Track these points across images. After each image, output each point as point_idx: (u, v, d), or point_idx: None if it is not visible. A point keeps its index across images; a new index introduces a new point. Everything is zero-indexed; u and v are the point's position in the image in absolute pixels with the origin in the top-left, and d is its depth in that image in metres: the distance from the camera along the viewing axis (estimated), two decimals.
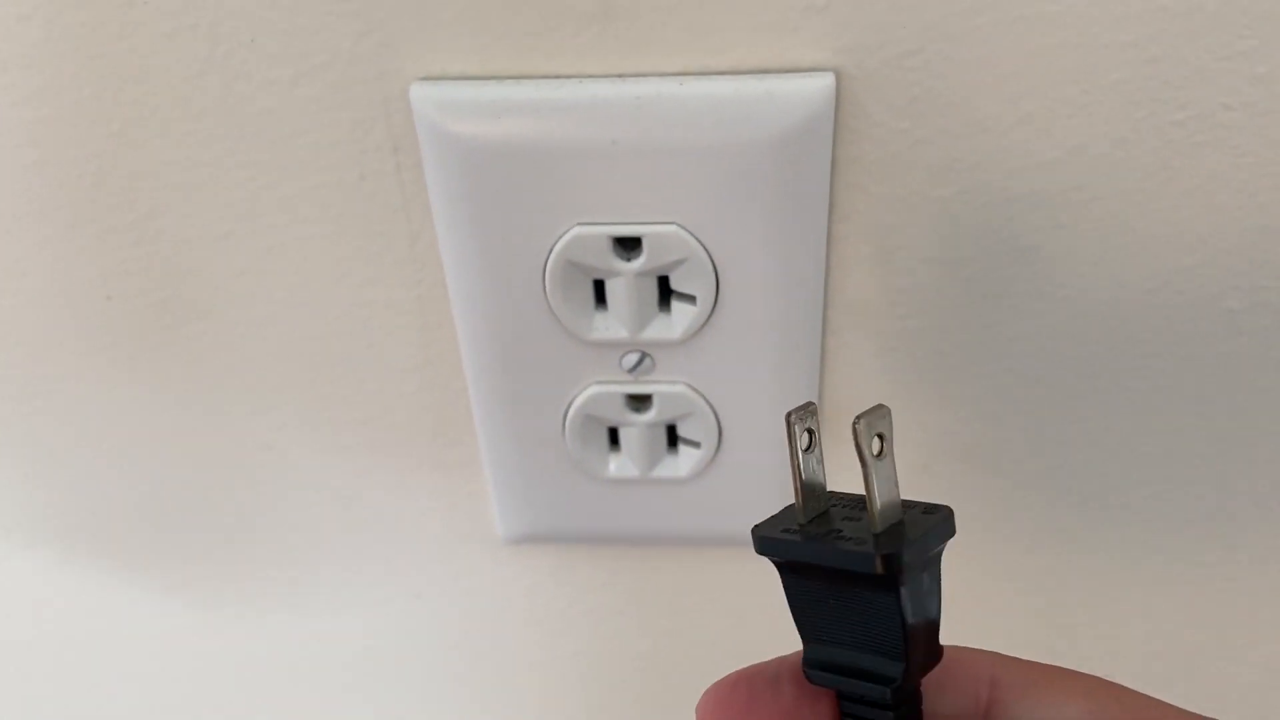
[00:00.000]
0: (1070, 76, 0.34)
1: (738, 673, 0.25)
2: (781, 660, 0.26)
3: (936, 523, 0.24)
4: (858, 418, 0.24)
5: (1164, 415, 0.41)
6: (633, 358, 0.39)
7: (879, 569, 0.23)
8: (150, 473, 0.47)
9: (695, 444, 0.42)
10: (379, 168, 0.37)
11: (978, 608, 0.48)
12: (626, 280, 0.37)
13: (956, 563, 0.39)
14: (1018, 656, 0.25)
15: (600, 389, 0.41)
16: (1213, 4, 0.32)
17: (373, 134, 0.37)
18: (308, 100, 0.36)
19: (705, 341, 0.39)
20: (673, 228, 0.36)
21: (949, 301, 0.39)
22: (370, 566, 0.50)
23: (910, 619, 0.23)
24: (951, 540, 0.24)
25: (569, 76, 0.35)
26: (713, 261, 0.37)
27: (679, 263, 0.37)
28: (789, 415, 0.25)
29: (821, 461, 0.26)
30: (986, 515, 0.45)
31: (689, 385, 0.41)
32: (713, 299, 0.38)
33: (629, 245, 0.37)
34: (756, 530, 0.26)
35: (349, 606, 0.51)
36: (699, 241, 0.36)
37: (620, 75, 0.35)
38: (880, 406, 0.24)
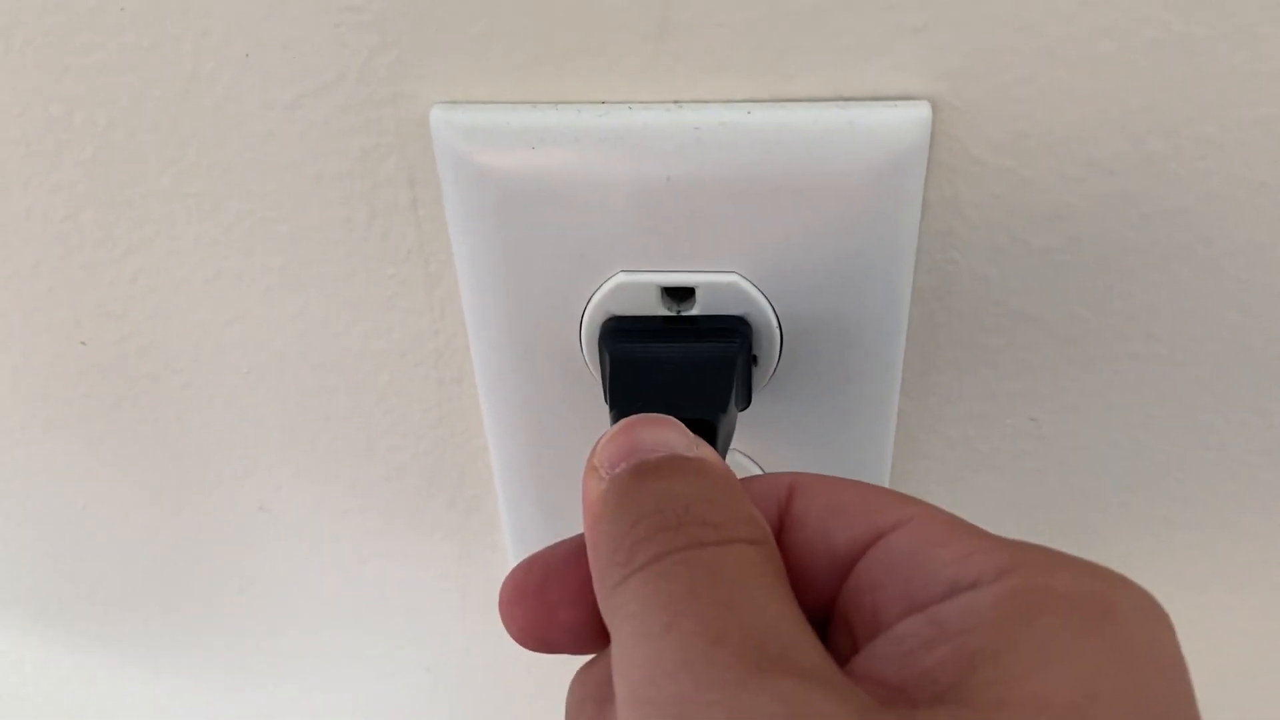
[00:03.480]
0: (1207, 112, 0.29)
1: (533, 555, 0.25)
2: (575, 539, 0.25)
3: None
4: None
5: None
6: None
7: None
8: (130, 535, 0.42)
9: None
10: (393, 203, 0.32)
11: None
12: None
13: None
14: None
15: None
16: None
17: (386, 165, 0.32)
18: (310, 125, 0.31)
19: (764, 409, 0.34)
20: (733, 278, 0.31)
21: (1045, 363, 0.34)
22: (376, 638, 0.45)
23: None
24: None
25: (617, 102, 0.30)
26: (778, 318, 0.32)
27: (739, 318, 0.32)
28: None
29: None
30: None
31: (745, 455, 0.35)
32: (775, 361, 0.32)
33: (680, 296, 0.32)
34: None
35: (351, 680, 0.46)
36: (763, 294, 0.31)
37: (677, 102, 0.30)
38: None
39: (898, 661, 0.19)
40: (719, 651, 0.18)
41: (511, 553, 0.40)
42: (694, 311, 0.32)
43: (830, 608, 0.23)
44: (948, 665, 0.18)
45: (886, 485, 0.36)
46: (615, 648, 0.20)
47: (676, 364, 0.30)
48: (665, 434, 0.24)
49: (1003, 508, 0.37)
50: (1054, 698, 0.17)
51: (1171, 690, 0.18)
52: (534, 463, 0.37)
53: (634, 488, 0.22)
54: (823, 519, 0.23)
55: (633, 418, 0.24)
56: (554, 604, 0.24)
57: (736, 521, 0.21)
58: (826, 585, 0.23)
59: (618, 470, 0.23)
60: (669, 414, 0.29)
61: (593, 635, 0.23)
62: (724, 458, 0.30)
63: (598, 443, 0.24)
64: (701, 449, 0.24)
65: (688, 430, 0.24)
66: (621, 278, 0.31)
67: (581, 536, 0.24)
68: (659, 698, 0.18)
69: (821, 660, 0.18)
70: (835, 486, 0.24)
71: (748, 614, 0.19)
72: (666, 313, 0.32)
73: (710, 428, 0.29)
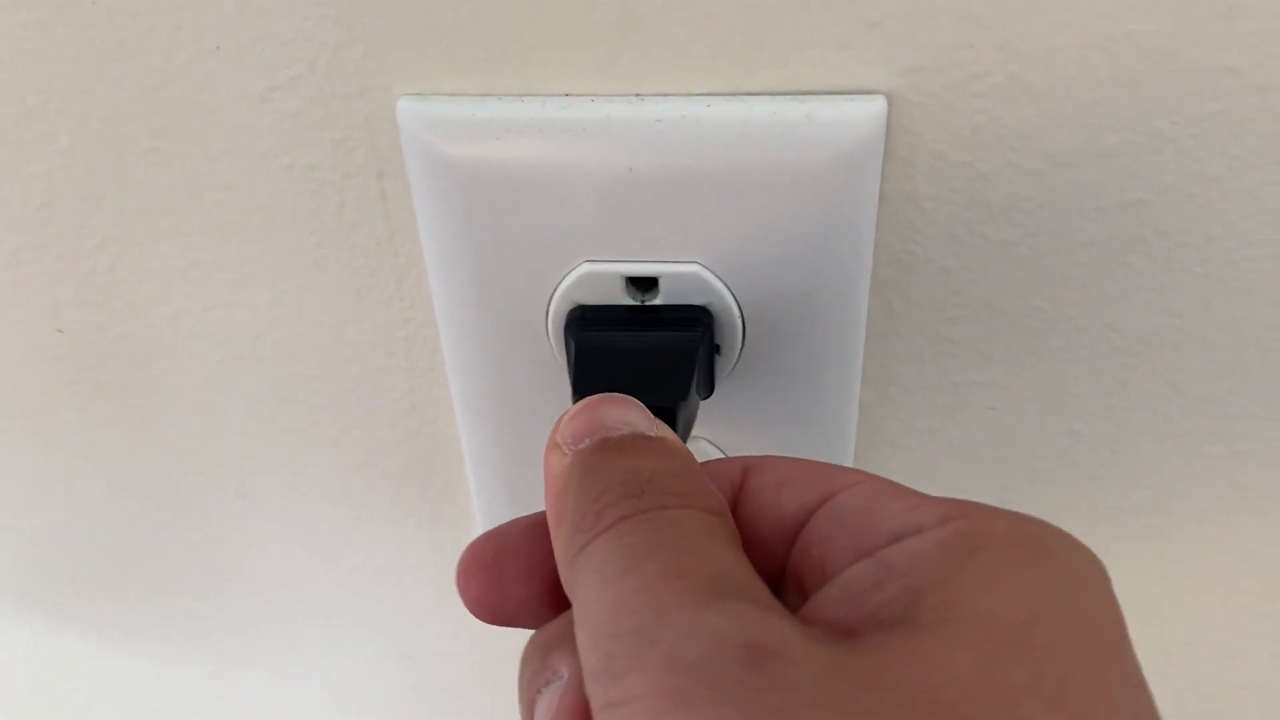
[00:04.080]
0: (1161, 107, 0.29)
1: (489, 530, 0.25)
2: (530, 516, 0.25)
3: None
4: None
5: (1254, 483, 0.37)
6: None
7: None
8: (108, 521, 0.43)
9: None
10: (362, 194, 0.33)
11: None
12: None
13: None
14: None
15: None
16: None
17: (355, 156, 0.32)
18: (281, 117, 0.32)
19: (728, 396, 0.34)
20: (695, 268, 0.32)
21: (1005, 354, 0.34)
22: (352, 624, 0.45)
23: None
24: None
25: (580, 95, 0.30)
26: (740, 308, 0.32)
27: (701, 308, 0.32)
28: None
29: None
30: None
31: (709, 441, 0.36)
32: (738, 350, 0.33)
33: (644, 286, 0.32)
34: None
35: (328, 666, 0.47)
36: (725, 284, 0.32)
37: (639, 94, 0.30)
38: None
39: (846, 604, 0.20)
40: (680, 583, 0.19)
41: None
42: (657, 301, 0.32)
43: (782, 573, 0.23)
44: (895, 601, 0.19)
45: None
46: (577, 605, 0.20)
47: (639, 352, 0.31)
48: (628, 413, 0.24)
49: (964, 495, 0.38)
50: (998, 614, 0.18)
51: (1108, 616, 0.19)
52: (504, 449, 0.37)
53: (599, 462, 0.23)
54: (775, 490, 0.24)
55: (596, 397, 0.25)
56: (508, 578, 0.24)
57: (697, 493, 0.22)
58: (778, 549, 0.23)
59: (581, 446, 0.23)
60: None
61: (545, 609, 0.24)
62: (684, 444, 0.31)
63: (560, 420, 0.24)
64: (662, 429, 0.24)
65: (649, 411, 0.24)
66: (586, 267, 0.32)
67: (537, 514, 0.25)
68: (621, 630, 0.18)
69: (775, 600, 0.19)
70: (788, 463, 0.24)
71: (707, 558, 0.20)
72: (631, 302, 0.32)
73: (670, 414, 0.30)
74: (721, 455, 0.36)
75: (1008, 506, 0.37)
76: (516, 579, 0.24)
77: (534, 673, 0.23)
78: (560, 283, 0.32)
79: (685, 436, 0.31)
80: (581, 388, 0.31)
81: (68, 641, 0.48)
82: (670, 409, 0.30)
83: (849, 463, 0.36)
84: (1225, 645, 0.42)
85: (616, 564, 0.20)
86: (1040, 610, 0.18)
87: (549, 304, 0.33)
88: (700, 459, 0.36)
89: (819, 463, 0.24)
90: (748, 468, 0.25)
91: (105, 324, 0.37)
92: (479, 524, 0.40)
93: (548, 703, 0.22)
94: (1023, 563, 0.19)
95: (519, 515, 0.38)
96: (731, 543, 0.21)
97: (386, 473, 0.40)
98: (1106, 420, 0.35)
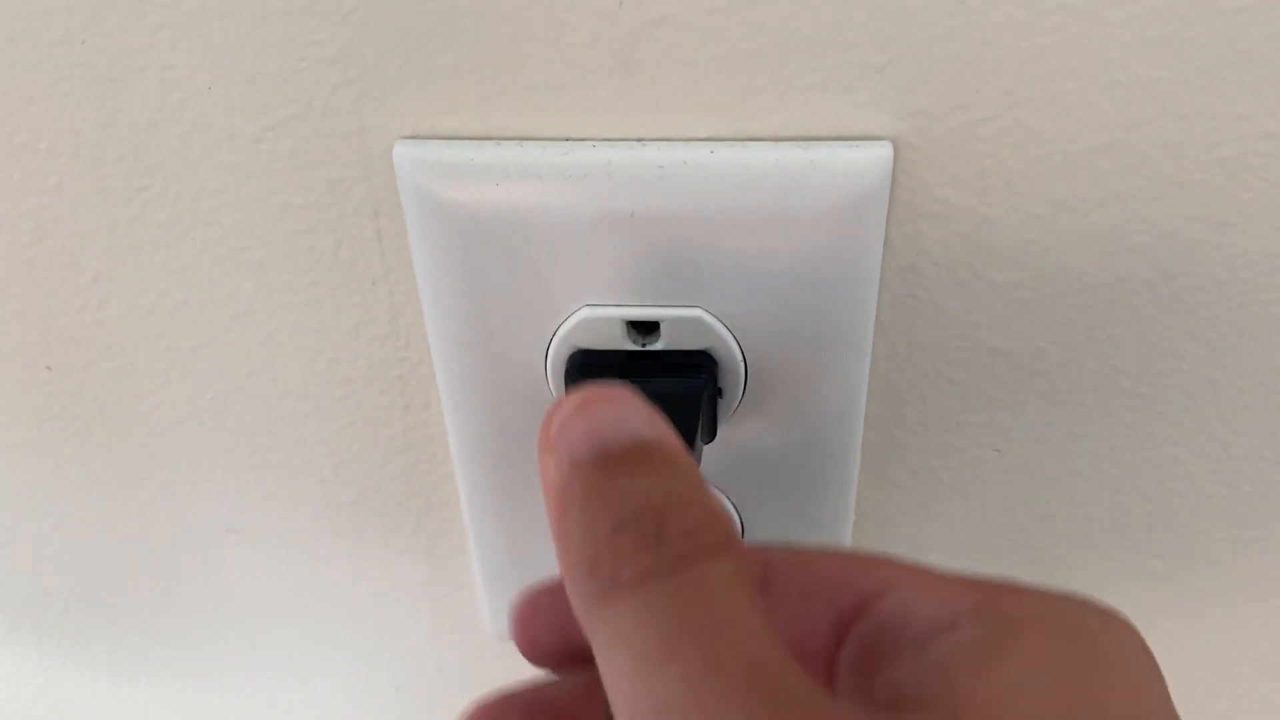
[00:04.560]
0: (1169, 151, 0.29)
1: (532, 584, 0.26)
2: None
3: None
4: None
5: (1260, 525, 0.36)
6: None
7: None
8: (97, 557, 0.42)
9: None
10: (358, 234, 0.32)
11: None
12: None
13: None
14: None
15: None
16: None
17: (351, 196, 0.32)
18: (276, 157, 0.31)
19: (729, 440, 0.34)
20: (697, 312, 0.31)
21: (1009, 396, 0.34)
22: (345, 659, 0.45)
23: None
24: None
25: (580, 139, 0.30)
26: (742, 352, 0.32)
27: (703, 353, 0.32)
28: None
29: None
30: None
31: (710, 484, 0.36)
32: (740, 394, 0.32)
33: (645, 330, 0.32)
34: None
35: (321, 700, 0.46)
36: (727, 329, 0.31)
37: (640, 139, 0.30)
38: None
39: (885, 693, 0.20)
40: (722, 680, 0.18)
41: (479, 576, 0.40)
42: (659, 345, 0.32)
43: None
44: (934, 685, 0.19)
45: (852, 514, 0.36)
46: (610, 670, 0.20)
47: None
48: (625, 413, 0.23)
49: (969, 536, 0.37)
50: (1042, 710, 0.18)
51: (1153, 704, 0.19)
52: (500, 488, 0.37)
53: (603, 484, 0.22)
54: (802, 603, 0.23)
55: (587, 390, 0.23)
56: (541, 631, 0.25)
57: (709, 521, 0.21)
58: (815, 660, 0.23)
59: (579, 457, 0.23)
60: None
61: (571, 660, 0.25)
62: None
63: (551, 414, 0.23)
64: (656, 424, 0.23)
65: (641, 401, 0.23)
66: (586, 312, 0.31)
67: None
68: None
69: (812, 686, 0.19)
70: (805, 567, 0.24)
71: (741, 638, 0.19)
72: (632, 346, 0.32)
73: None
74: (724, 499, 0.36)
75: (1011, 547, 0.36)
76: (544, 632, 0.25)
77: None
78: (560, 326, 0.32)
79: None
80: None
81: (56, 674, 0.48)
82: None
83: (851, 505, 0.36)
84: (1225, 686, 0.41)
85: (651, 646, 0.19)
86: (1081, 705, 0.18)
87: (548, 347, 0.32)
88: None
89: (837, 556, 0.24)
90: (765, 576, 0.24)
91: (96, 360, 0.36)
92: (475, 560, 0.39)
93: None
94: (1060, 651, 0.19)
95: (515, 553, 0.38)
96: (753, 595, 0.21)
97: (381, 510, 0.39)
98: (1111, 462, 0.35)
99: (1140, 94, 0.28)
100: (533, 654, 0.25)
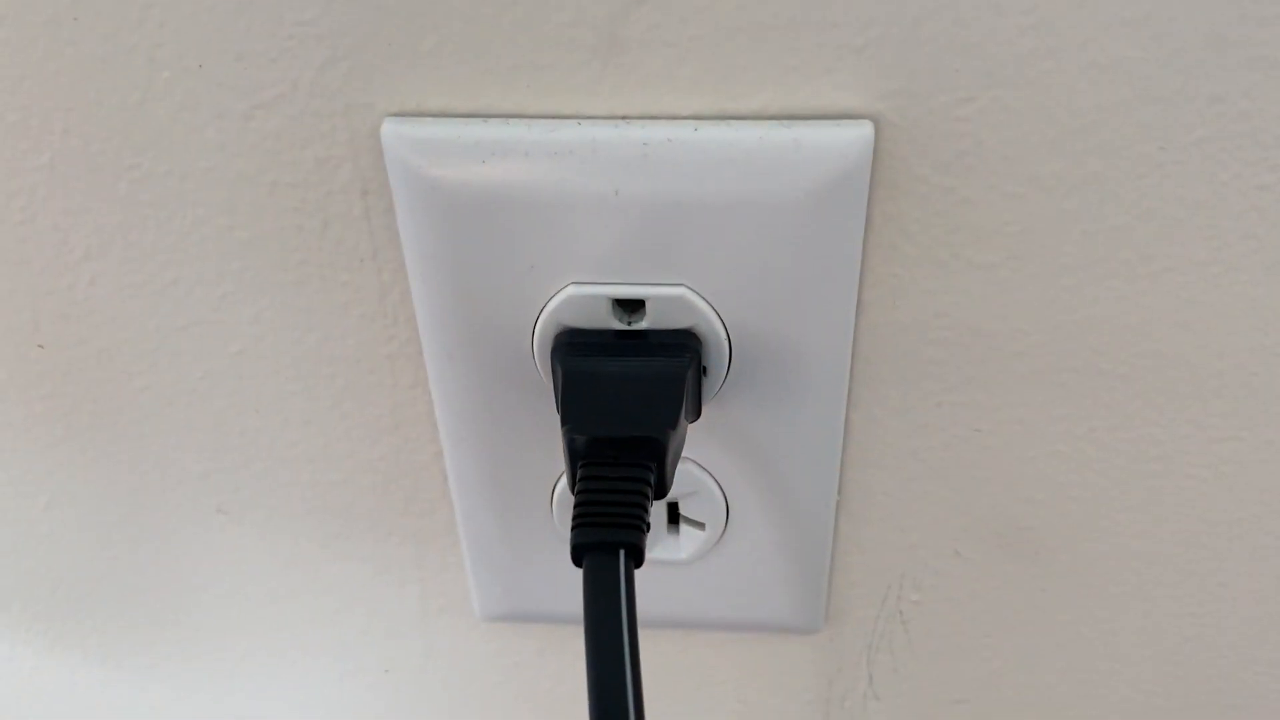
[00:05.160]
0: (1147, 133, 0.29)
1: None
2: None
3: None
4: None
5: (1239, 506, 0.37)
6: None
7: None
8: (87, 536, 0.42)
9: (699, 525, 0.38)
10: (346, 212, 0.33)
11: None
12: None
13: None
14: None
15: None
16: None
17: (339, 175, 0.32)
18: (265, 135, 0.31)
19: (714, 418, 0.34)
20: (680, 290, 0.31)
21: (989, 376, 0.34)
22: (334, 639, 0.45)
23: None
24: None
25: (566, 117, 0.30)
26: (726, 330, 0.32)
27: (687, 332, 0.32)
28: None
29: None
30: (1018, 603, 0.40)
31: (695, 462, 0.36)
32: (724, 372, 0.33)
33: (630, 308, 0.32)
34: None
35: (308, 681, 0.47)
36: (711, 306, 0.32)
37: (625, 117, 0.30)
38: None
39: None
40: None
41: (467, 557, 0.40)
42: (644, 323, 0.32)
43: None
44: None
45: (836, 494, 0.37)
46: None
47: (628, 380, 0.31)
48: None
49: (950, 516, 0.38)
50: None
51: None
52: (487, 467, 0.37)
53: None
54: None
55: None
56: None
57: None
58: None
59: None
60: (619, 429, 0.30)
61: None
62: (673, 472, 0.31)
63: None
64: None
65: None
66: (572, 290, 0.32)
67: None
68: None
69: None
70: None
71: None
72: (618, 324, 0.32)
73: (661, 443, 0.30)
74: (709, 477, 0.36)
75: (993, 530, 0.37)
76: None
77: None
78: (546, 304, 0.32)
79: (675, 463, 0.31)
80: (569, 415, 0.31)
81: (45, 656, 0.48)
82: (659, 440, 0.30)
83: (835, 485, 0.36)
84: (1213, 663, 0.42)
85: None
86: None
87: (535, 325, 0.33)
88: (686, 483, 0.36)
89: None
90: None
91: (86, 339, 0.36)
92: (463, 540, 0.39)
93: None
94: None
95: (502, 535, 0.38)
96: None
97: (369, 489, 0.40)
98: (1090, 443, 0.35)
99: (1117, 75, 0.28)
100: None
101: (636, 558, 0.30)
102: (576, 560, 0.30)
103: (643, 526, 0.30)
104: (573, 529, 0.30)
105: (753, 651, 0.43)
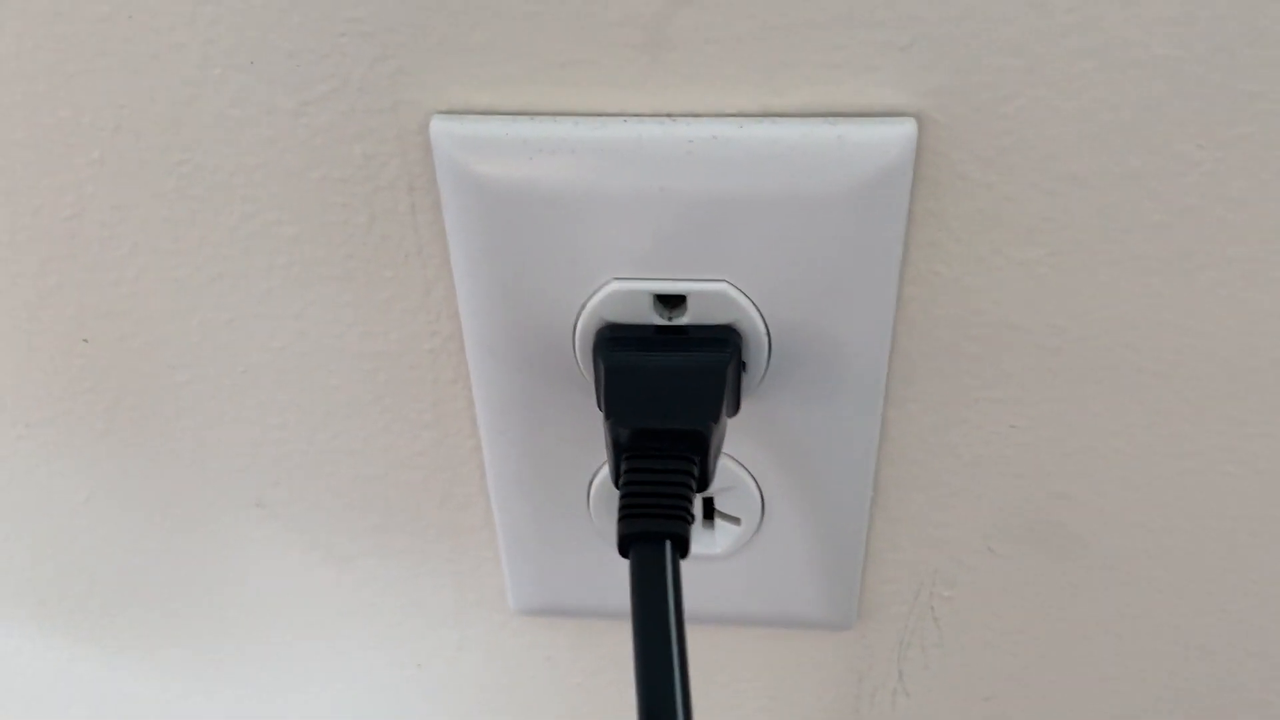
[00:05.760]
0: (1188, 130, 0.30)
1: None
2: None
3: None
4: None
5: (1276, 504, 0.37)
6: None
7: None
8: (127, 530, 0.43)
9: (734, 520, 0.38)
10: (392, 208, 0.33)
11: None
12: None
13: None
14: None
15: None
16: None
17: (386, 171, 0.32)
18: (313, 131, 0.32)
19: (752, 413, 0.35)
20: (722, 285, 0.32)
21: (1026, 372, 0.35)
22: (367, 634, 0.45)
23: None
24: None
25: (611, 114, 0.31)
26: (766, 325, 0.32)
27: (728, 327, 0.32)
28: None
29: None
30: (1050, 599, 0.41)
31: (731, 457, 0.36)
32: (763, 368, 0.33)
33: (671, 303, 0.33)
34: None
35: (340, 675, 0.47)
36: (752, 302, 0.32)
37: (670, 115, 0.30)
38: None
39: None
40: None
41: (503, 552, 0.40)
42: (685, 319, 0.32)
43: None
44: None
45: (871, 490, 0.37)
46: None
47: (670, 373, 0.31)
48: None
49: (984, 512, 0.38)
50: None
51: None
52: (526, 463, 0.37)
53: None
54: None
55: None
56: None
57: None
58: None
59: None
60: (663, 422, 0.30)
61: None
62: (715, 466, 0.31)
63: None
64: None
65: None
66: (614, 285, 0.32)
67: None
68: None
69: None
70: None
71: None
72: (659, 319, 0.32)
73: (703, 437, 0.30)
74: (745, 472, 0.36)
75: (1026, 524, 0.37)
76: None
77: None
78: (589, 300, 0.32)
79: (716, 458, 0.31)
80: (613, 409, 0.31)
81: (80, 648, 0.48)
82: (702, 433, 0.30)
83: (870, 480, 0.36)
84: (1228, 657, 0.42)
85: None
86: None
87: (576, 320, 0.33)
88: (722, 478, 0.36)
89: None
90: None
91: (130, 333, 0.37)
92: (499, 536, 0.40)
93: None
94: None
95: (539, 530, 0.39)
96: None
97: (407, 483, 0.40)
98: (1125, 439, 0.36)
99: (1158, 73, 0.29)
100: None
101: (682, 548, 0.30)
102: (623, 550, 0.30)
103: (688, 517, 0.30)
104: (619, 519, 0.30)
105: (783, 647, 0.44)
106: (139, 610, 0.46)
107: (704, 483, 0.31)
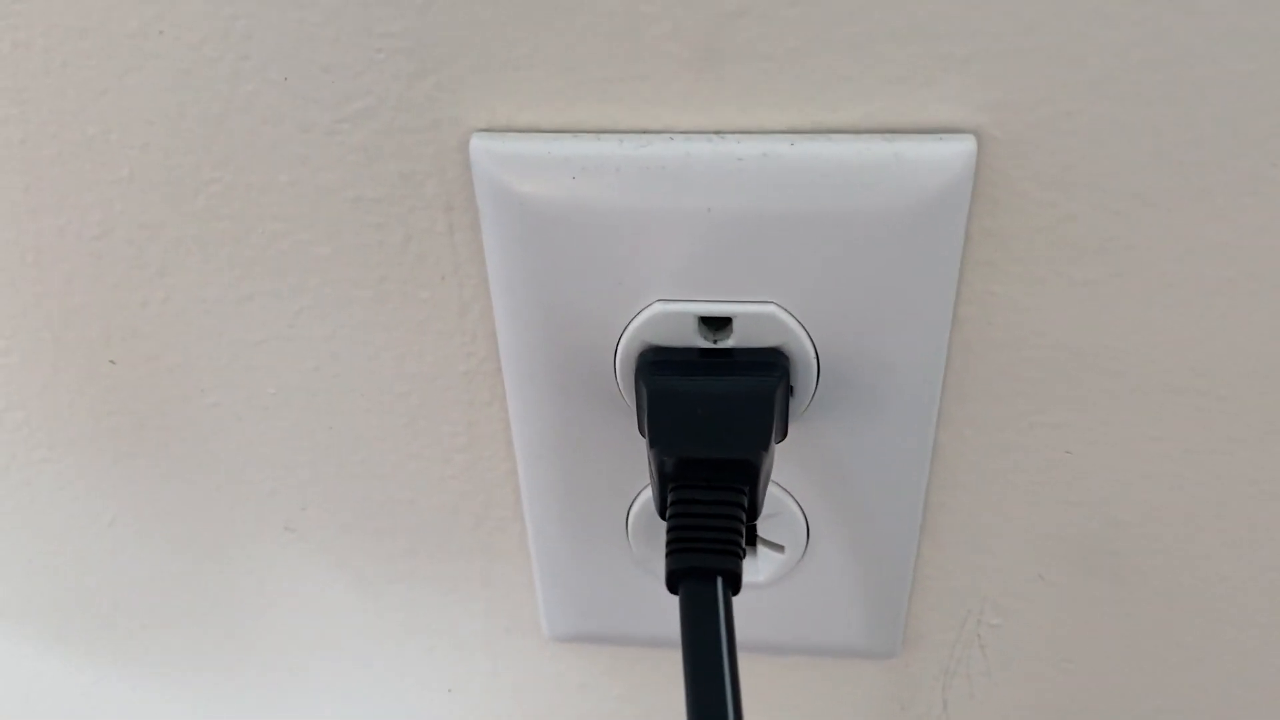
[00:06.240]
0: (1258, 148, 0.28)
1: None
2: None
3: None
4: None
5: None
6: None
7: None
8: (154, 553, 0.42)
9: (778, 547, 0.37)
10: (429, 228, 0.32)
11: None
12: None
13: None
14: None
15: None
16: None
17: (423, 190, 0.31)
18: (348, 149, 0.31)
19: (799, 439, 0.34)
20: (771, 308, 0.31)
21: (1083, 396, 0.33)
22: (397, 658, 0.44)
23: None
24: None
25: (658, 132, 0.30)
26: (815, 349, 0.31)
27: (776, 350, 0.31)
28: None
29: None
30: (1101, 629, 0.39)
31: (776, 482, 0.35)
32: (811, 392, 0.32)
33: (716, 325, 0.32)
34: None
35: (371, 700, 0.46)
36: (801, 325, 0.31)
37: (719, 132, 0.29)
38: None
39: None
40: None
41: (538, 577, 0.39)
42: (730, 341, 0.31)
43: None
44: None
45: (920, 517, 0.36)
46: None
47: (716, 399, 0.30)
48: None
49: (1036, 539, 0.37)
50: None
51: None
52: (562, 487, 0.36)
53: None
54: None
55: None
56: None
57: None
58: None
59: None
60: (712, 451, 0.29)
61: None
62: (764, 494, 0.30)
63: None
64: None
65: None
66: (659, 307, 0.31)
67: None
68: None
69: None
70: None
71: None
72: (703, 342, 0.31)
73: (752, 467, 0.29)
74: (790, 499, 0.35)
75: (1080, 552, 0.36)
76: None
77: None
78: (631, 322, 0.31)
79: (765, 486, 0.30)
80: (658, 436, 0.30)
81: (102, 671, 0.48)
82: (752, 461, 0.29)
83: (920, 507, 0.35)
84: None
85: None
86: None
87: (618, 343, 0.32)
88: (767, 505, 0.35)
89: None
90: None
91: (158, 354, 0.36)
92: (534, 560, 0.39)
93: None
94: None
95: (575, 555, 0.38)
96: None
97: (439, 507, 0.39)
98: (1184, 465, 0.34)
99: (1227, 88, 0.28)
100: None
101: (734, 584, 0.29)
102: (672, 587, 0.29)
103: (739, 552, 0.29)
104: (668, 554, 0.29)
105: (824, 675, 0.43)
106: (166, 633, 0.45)
107: (754, 513, 0.30)
